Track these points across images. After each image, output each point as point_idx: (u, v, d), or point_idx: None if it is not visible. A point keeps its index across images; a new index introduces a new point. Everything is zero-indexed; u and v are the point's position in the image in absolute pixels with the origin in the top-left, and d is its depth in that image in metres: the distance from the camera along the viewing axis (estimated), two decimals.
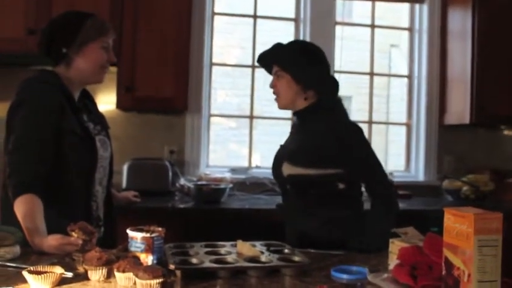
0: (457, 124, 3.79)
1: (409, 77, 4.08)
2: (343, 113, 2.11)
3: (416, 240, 1.49)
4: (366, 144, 2.07)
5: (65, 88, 1.91)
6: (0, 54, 3.06)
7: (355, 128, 2.07)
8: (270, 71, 2.17)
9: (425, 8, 3.94)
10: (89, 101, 2.10)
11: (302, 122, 2.14)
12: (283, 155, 2.12)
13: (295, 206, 2.09)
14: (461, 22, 3.72)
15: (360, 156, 2.02)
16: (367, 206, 2.09)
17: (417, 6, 4.00)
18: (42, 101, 1.84)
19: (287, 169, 2.06)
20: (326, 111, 2.06)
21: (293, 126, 2.25)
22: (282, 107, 2.16)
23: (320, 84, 2.08)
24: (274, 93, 2.14)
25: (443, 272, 1.14)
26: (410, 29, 4.07)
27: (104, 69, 2.01)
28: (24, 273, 1.25)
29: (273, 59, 2.13)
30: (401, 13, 4.89)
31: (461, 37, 3.69)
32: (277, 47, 2.14)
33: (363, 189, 2.13)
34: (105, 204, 2.06)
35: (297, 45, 2.15)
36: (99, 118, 2.10)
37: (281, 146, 2.20)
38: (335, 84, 2.13)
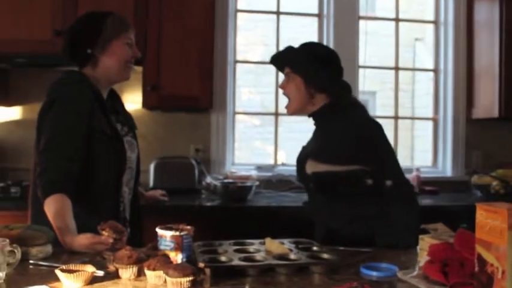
0: (485, 118, 3.73)
1: (435, 70, 4.02)
2: (360, 110, 2.09)
3: (446, 236, 1.47)
4: (384, 142, 2.04)
5: (95, 88, 1.93)
6: (28, 56, 3.11)
7: (373, 125, 2.05)
8: (283, 72, 2.18)
9: None
10: (116, 102, 2.12)
11: (320, 124, 2.14)
12: (306, 154, 2.12)
13: (321, 204, 2.08)
14: (488, 13, 3.66)
15: (378, 153, 2.00)
16: None
17: None
18: (74, 101, 1.86)
19: (311, 167, 2.05)
20: (342, 111, 2.04)
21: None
22: (291, 112, 2.14)
23: (331, 87, 2.07)
24: (284, 94, 2.14)
25: (476, 269, 1.12)
26: (436, 22, 4.01)
27: (129, 65, 2.02)
28: (57, 271, 1.27)
29: (285, 60, 2.13)
30: (425, 6, 4.82)
31: (489, 29, 3.63)
32: (289, 49, 2.14)
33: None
34: (131, 205, 2.07)
35: (308, 48, 2.14)
36: (127, 118, 2.11)
37: (303, 147, 2.20)
38: (346, 87, 2.12)
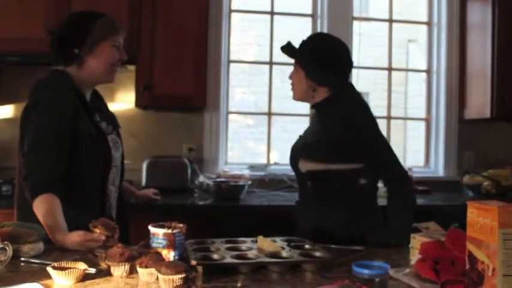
0: (477, 118, 3.74)
1: (428, 71, 4.04)
2: (362, 106, 2.10)
3: (438, 235, 1.48)
4: (380, 139, 2.05)
5: (77, 88, 1.92)
6: (20, 54, 3.10)
7: (368, 122, 2.05)
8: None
9: (443, 1, 3.90)
10: (99, 101, 2.10)
11: (319, 115, 2.15)
12: (299, 149, 2.13)
13: (313, 200, 2.09)
14: (480, 15, 3.68)
15: (374, 151, 2.01)
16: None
17: None
18: (57, 101, 1.84)
19: (304, 165, 2.06)
20: (341, 106, 2.05)
21: (312, 118, 2.26)
22: (295, 98, 2.19)
23: (330, 82, 2.09)
24: (291, 83, 2.17)
25: (467, 267, 1.12)
26: (429, 23, 4.03)
27: (115, 68, 2.00)
28: (49, 269, 1.26)
29: (291, 52, 2.15)
30: (418, 7, 4.84)
31: (481, 30, 3.65)
32: (300, 42, 2.15)
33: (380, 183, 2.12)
34: (117, 203, 2.07)
35: (314, 41, 2.15)
36: (110, 117, 2.10)
37: (300, 136, 2.21)
38: (348, 83, 2.14)
